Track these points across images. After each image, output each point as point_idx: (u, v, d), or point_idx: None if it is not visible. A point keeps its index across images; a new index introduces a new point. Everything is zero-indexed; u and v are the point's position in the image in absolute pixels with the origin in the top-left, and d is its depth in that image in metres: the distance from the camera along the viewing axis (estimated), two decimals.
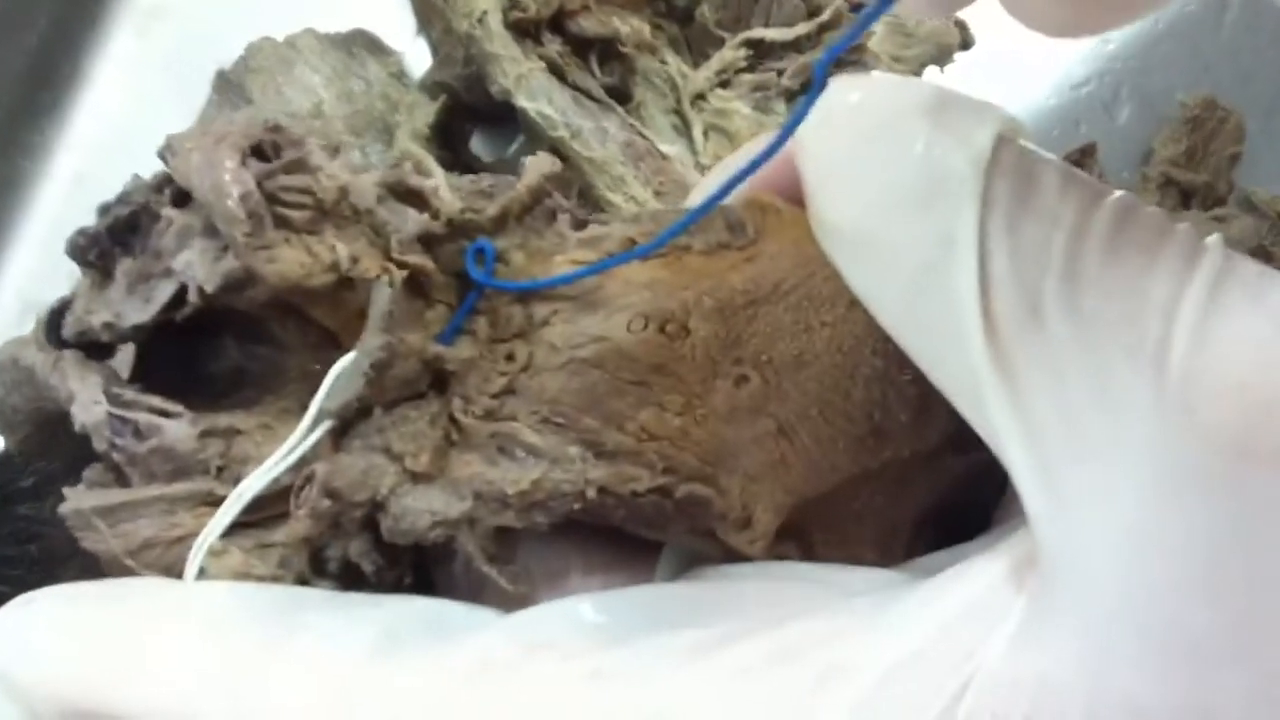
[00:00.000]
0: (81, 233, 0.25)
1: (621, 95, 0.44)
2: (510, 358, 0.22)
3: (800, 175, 0.22)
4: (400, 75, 0.50)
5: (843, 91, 0.23)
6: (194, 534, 0.22)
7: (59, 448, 0.28)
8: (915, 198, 0.20)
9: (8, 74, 0.51)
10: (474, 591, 0.23)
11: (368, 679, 0.20)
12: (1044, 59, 0.54)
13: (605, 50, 0.45)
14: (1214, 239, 0.19)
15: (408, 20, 0.48)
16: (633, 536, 0.23)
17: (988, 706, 0.18)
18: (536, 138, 0.43)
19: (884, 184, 0.21)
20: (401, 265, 0.22)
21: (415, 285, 0.22)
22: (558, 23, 0.44)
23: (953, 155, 0.20)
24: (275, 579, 0.22)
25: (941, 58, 0.48)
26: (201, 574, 0.22)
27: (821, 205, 0.22)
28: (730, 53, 0.45)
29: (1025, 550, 0.19)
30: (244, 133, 0.24)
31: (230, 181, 0.23)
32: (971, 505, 0.24)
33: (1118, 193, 0.20)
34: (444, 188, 0.22)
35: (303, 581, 0.22)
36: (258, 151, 0.24)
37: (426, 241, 0.22)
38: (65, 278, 0.27)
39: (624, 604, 0.21)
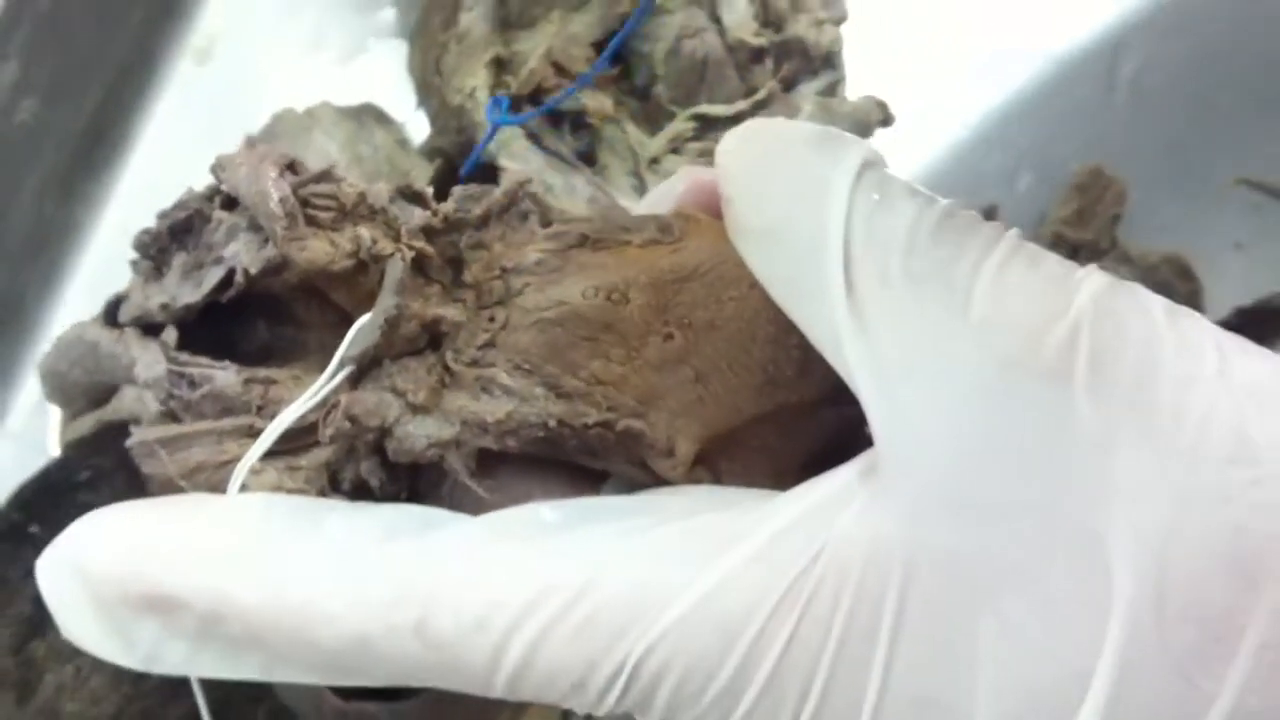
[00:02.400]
0: (146, 231, 0.32)
1: (589, 159, 0.53)
2: (492, 319, 0.29)
3: (719, 189, 0.30)
4: (403, 142, 0.58)
5: (754, 126, 0.30)
6: (237, 459, 0.29)
7: (109, 447, 0.34)
8: (802, 200, 0.28)
9: (70, 136, 0.59)
10: (455, 507, 0.29)
11: (372, 557, 0.27)
12: (955, 134, 0.63)
13: (576, 121, 0.53)
14: (1013, 230, 0.27)
15: (409, 95, 0.56)
16: (582, 469, 0.30)
17: (837, 560, 0.25)
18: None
19: (780, 191, 0.28)
20: (410, 247, 0.29)
21: (418, 266, 0.29)
22: (535, 97, 0.52)
23: (830, 170, 0.28)
24: (300, 493, 0.29)
25: (862, 133, 0.56)
26: (242, 490, 0.29)
27: (734, 209, 0.29)
28: (680, 125, 0.53)
29: (871, 459, 0.26)
30: (282, 154, 0.32)
31: (272, 188, 0.30)
32: (844, 458, 0.31)
33: (944, 200, 0.27)
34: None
35: (322, 495, 0.29)
36: (291, 168, 0.31)
37: (428, 233, 0.29)
38: None
39: (574, 507, 0.28)
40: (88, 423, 0.37)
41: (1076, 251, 0.56)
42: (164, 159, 0.61)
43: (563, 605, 0.25)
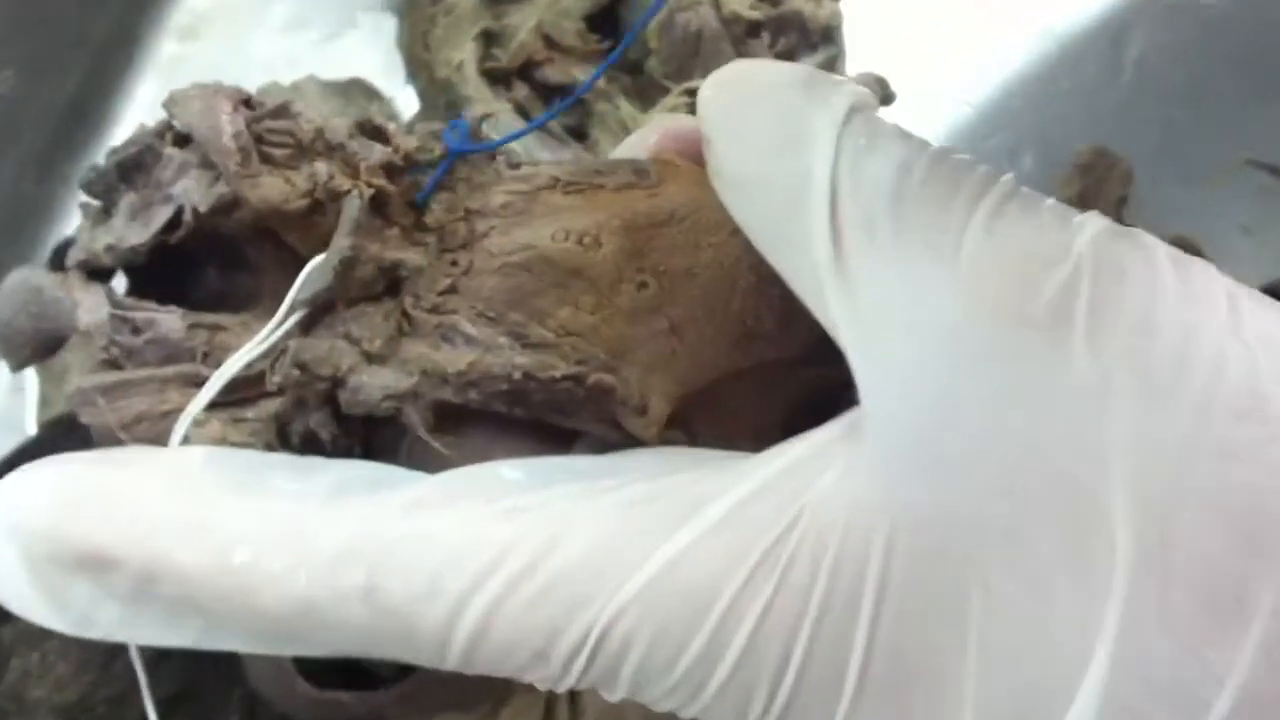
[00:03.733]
0: (93, 168, 0.31)
1: (579, 134, 0.52)
2: (454, 263, 0.27)
3: (700, 133, 0.28)
4: (391, 118, 0.57)
5: (737, 68, 0.29)
6: (180, 409, 0.27)
7: (77, 436, 0.33)
8: (786, 145, 0.26)
9: (50, 114, 0.58)
10: (411, 464, 0.28)
11: (319, 516, 0.25)
12: (958, 111, 0.61)
13: (566, 95, 0.52)
14: (1008, 175, 0.25)
15: (399, 71, 0.55)
16: (549, 428, 0.28)
17: (815, 525, 0.23)
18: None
19: (763, 136, 0.27)
20: (369, 185, 0.27)
21: (377, 205, 0.27)
22: (525, 71, 0.52)
23: (816, 114, 0.26)
24: (247, 446, 0.27)
25: None
26: (185, 441, 0.27)
27: (715, 153, 0.27)
28: (673, 99, 0.52)
29: (853, 418, 0.25)
30: (237, 89, 0.30)
31: (225, 122, 0.28)
32: (824, 420, 0.29)
33: (940, 145, 0.26)
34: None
35: (269, 449, 0.27)
36: (248, 104, 0.30)
37: (388, 170, 0.28)
38: None
39: (538, 466, 0.26)
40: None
41: None
42: None
43: (522, 569, 0.23)
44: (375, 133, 0.28)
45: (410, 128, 0.55)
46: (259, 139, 0.28)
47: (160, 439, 0.28)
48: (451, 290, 0.27)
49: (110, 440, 0.28)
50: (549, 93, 0.50)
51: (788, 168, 0.26)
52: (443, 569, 0.24)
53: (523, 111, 0.49)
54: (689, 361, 0.27)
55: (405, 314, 0.27)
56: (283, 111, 0.29)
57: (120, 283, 0.32)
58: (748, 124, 0.27)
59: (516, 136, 0.29)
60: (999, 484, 0.22)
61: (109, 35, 0.60)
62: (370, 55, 0.59)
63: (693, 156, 0.29)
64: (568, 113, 0.50)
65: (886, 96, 0.55)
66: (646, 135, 0.31)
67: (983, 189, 0.24)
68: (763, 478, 0.24)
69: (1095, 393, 0.22)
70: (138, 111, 0.60)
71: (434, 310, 0.27)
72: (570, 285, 0.27)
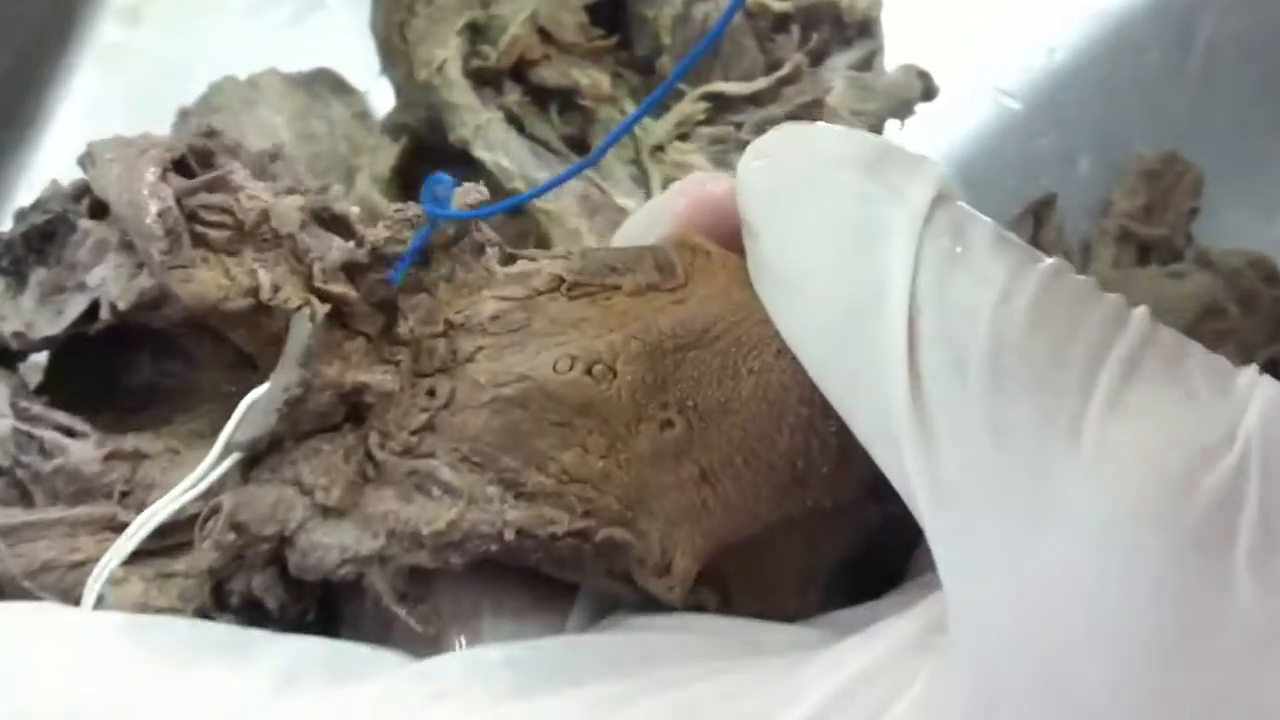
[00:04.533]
0: None
1: (580, 146, 0.46)
2: (432, 393, 0.22)
3: (740, 216, 0.23)
4: (363, 116, 0.51)
5: (788, 135, 0.24)
6: (94, 559, 0.23)
7: None
8: (849, 244, 0.21)
9: None
10: (382, 630, 0.23)
11: (262, 719, 0.21)
12: (1005, 109, 0.56)
13: (565, 100, 0.46)
14: (1141, 310, 0.20)
15: (372, 59, 0.49)
16: (548, 579, 0.23)
17: None
18: (494, 187, 0.44)
19: (820, 228, 0.22)
20: (323, 296, 0.22)
21: (336, 315, 0.23)
22: (518, 73, 0.46)
23: (888, 208, 0.21)
24: (175, 611, 0.22)
25: (902, 111, 0.49)
26: (100, 602, 0.22)
27: (760, 247, 0.23)
28: (690, 105, 0.47)
29: (936, 614, 0.20)
30: (168, 145, 0.25)
31: (149, 196, 0.23)
32: (885, 554, 0.25)
33: (1050, 259, 0.21)
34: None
35: (203, 614, 0.23)
36: (181, 166, 0.24)
37: (350, 271, 0.23)
38: None
39: (533, 655, 0.21)
40: None
41: (1146, 250, 0.50)
42: (83, 139, 0.53)
43: None
44: (333, 222, 0.23)
45: (385, 127, 0.50)
46: (192, 216, 0.23)
47: (71, 593, 0.23)
48: (428, 428, 0.22)
49: (13, 591, 0.23)
50: (545, 97, 0.45)
51: (854, 275, 0.21)
52: None
53: (515, 120, 0.44)
54: (723, 514, 0.22)
55: (370, 455, 0.22)
56: (220, 184, 0.24)
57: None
58: (802, 213, 0.22)
59: (510, 206, 0.24)
60: None
61: (40, 18, 0.54)
62: (340, 40, 0.53)
63: (729, 239, 0.24)
64: (566, 121, 0.45)
65: (929, 92, 0.50)
66: (670, 201, 0.26)
67: (1111, 333, 0.19)
68: (823, 698, 0.19)
69: (1261, 651, 0.17)
70: (73, 105, 0.54)
71: (406, 452, 0.22)
72: (576, 424, 0.22)
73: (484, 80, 0.45)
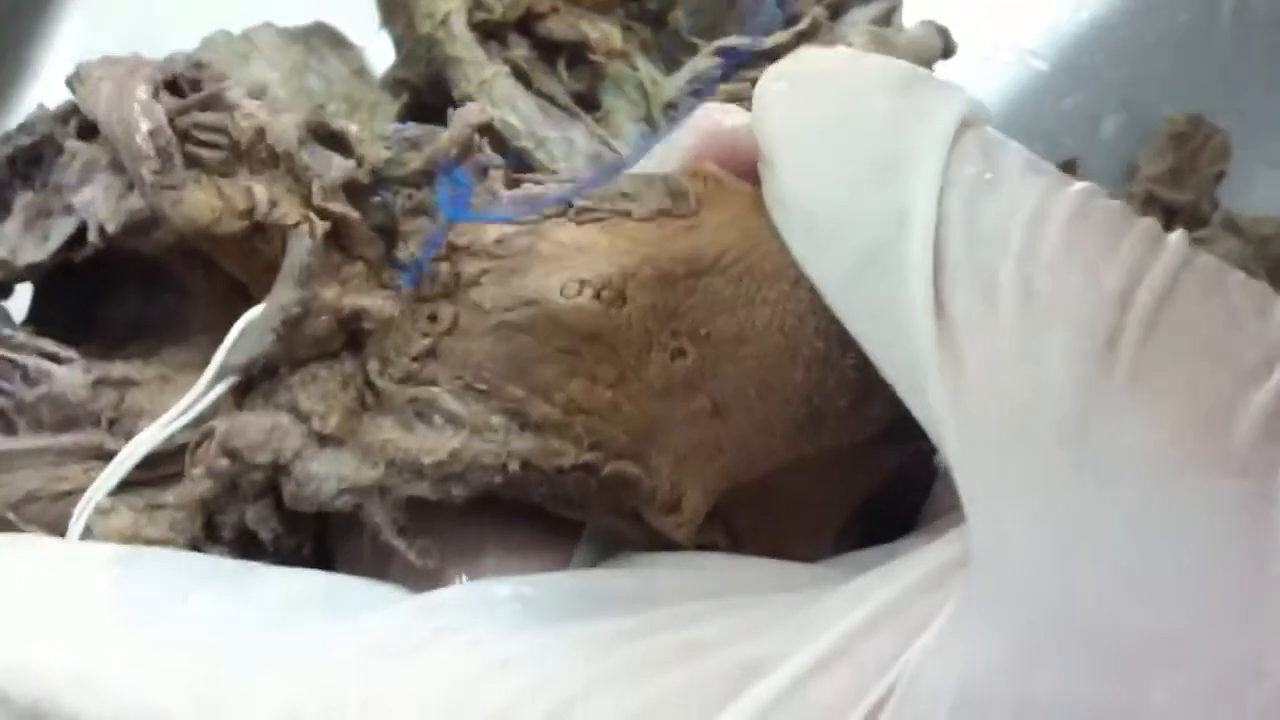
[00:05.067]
0: None
1: (589, 102, 0.45)
2: (433, 318, 0.22)
3: (758, 144, 0.23)
4: (361, 72, 0.50)
5: (807, 60, 0.23)
6: (81, 489, 0.22)
7: None
8: (873, 172, 0.20)
9: None
10: (379, 567, 0.23)
11: (258, 654, 0.20)
12: (1028, 68, 0.55)
13: (574, 55, 0.46)
14: (1178, 233, 0.19)
15: (371, 12, 0.48)
16: (552, 517, 0.23)
17: (910, 713, 0.18)
18: (500, 145, 0.44)
19: (842, 156, 0.21)
20: (323, 214, 0.22)
21: (335, 236, 0.22)
22: (525, 26, 0.45)
23: (914, 132, 0.20)
24: (165, 542, 0.22)
25: (922, 66, 0.48)
26: (87, 533, 0.22)
27: (777, 176, 0.22)
28: (704, 60, 0.46)
29: (956, 551, 0.19)
30: (160, 66, 0.24)
31: (140, 115, 0.23)
32: (899, 502, 0.24)
33: (1081, 182, 0.20)
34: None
35: (194, 547, 0.22)
36: (172, 86, 0.24)
37: (350, 190, 0.22)
38: None
39: (540, 590, 0.21)
40: None
41: (1172, 215, 0.49)
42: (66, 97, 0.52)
43: None
44: (331, 139, 0.22)
45: (385, 84, 0.49)
46: (185, 136, 0.23)
47: (57, 524, 0.23)
48: (429, 354, 0.22)
49: None
50: (553, 51, 0.44)
51: (877, 203, 0.20)
52: None
53: (522, 75, 0.43)
54: (735, 450, 0.22)
55: (369, 382, 0.22)
56: (215, 102, 0.23)
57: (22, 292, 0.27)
58: (822, 140, 0.21)
59: (551, 203, 0.23)
60: (1167, 677, 0.17)
61: None
62: None
63: (743, 171, 0.24)
64: (575, 76, 0.44)
65: (948, 48, 0.49)
66: (681, 136, 0.25)
67: (1147, 254, 0.19)
68: (838, 636, 0.19)
69: None
70: (57, 62, 0.53)
71: (406, 379, 0.22)
72: (584, 352, 0.21)
73: (489, 34, 0.44)
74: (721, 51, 0.44)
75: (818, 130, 0.22)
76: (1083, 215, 0.19)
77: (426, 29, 0.43)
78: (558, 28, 0.46)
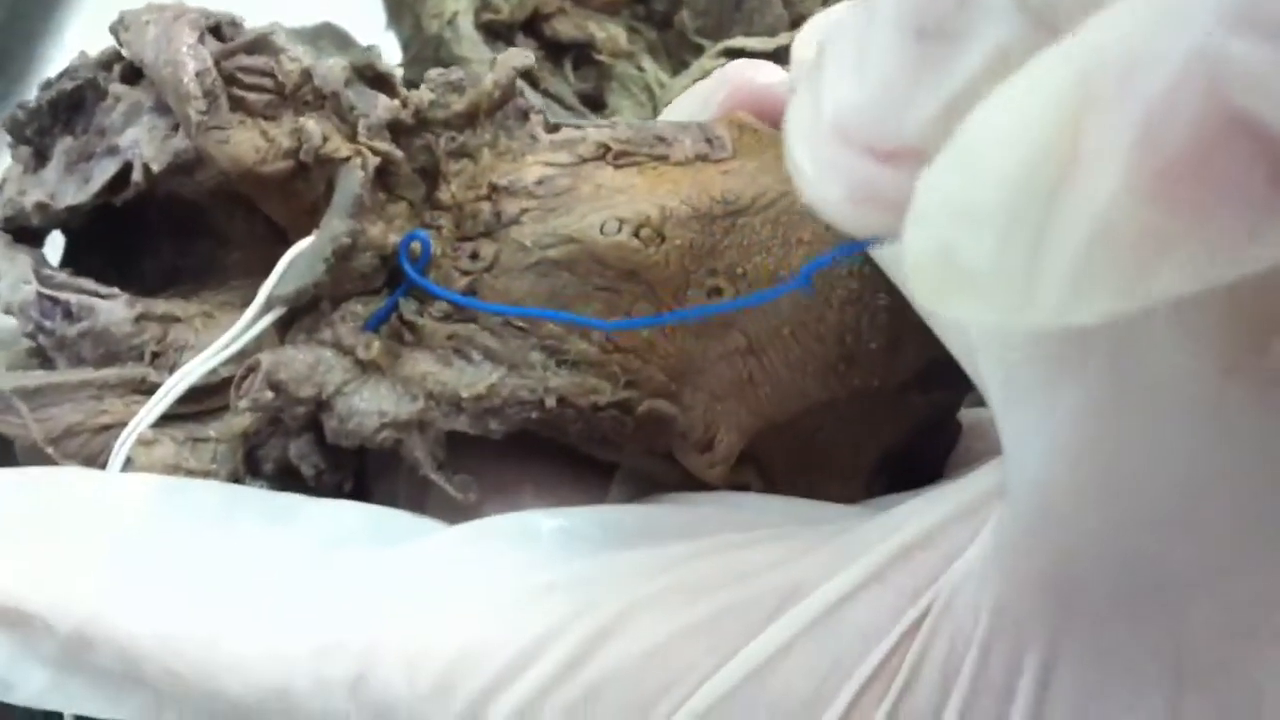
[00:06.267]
0: (21, 106, 0.26)
1: (596, 102, 0.47)
2: (475, 256, 0.23)
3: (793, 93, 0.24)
4: None
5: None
6: (122, 423, 0.23)
7: None
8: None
9: None
10: (416, 507, 0.24)
11: (301, 581, 0.21)
12: None
13: (580, 55, 0.47)
14: None
15: (378, 12, 0.49)
16: (586, 459, 0.24)
17: (946, 636, 0.19)
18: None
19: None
20: (371, 151, 0.23)
21: (380, 175, 0.23)
22: (532, 26, 0.46)
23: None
24: (206, 475, 0.23)
25: None
26: (128, 465, 0.23)
27: None
28: (709, 61, 0.47)
29: (992, 482, 0.20)
30: (204, 12, 0.25)
31: (187, 56, 0.24)
32: (925, 454, 0.25)
33: None
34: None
35: (236, 480, 0.23)
36: (216, 32, 0.25)
37: (395, 130, 0.23)
38: None
39: (582, 520, 0.22)
40: None
41: None
42: None
43: (560, 669, 0.20)
44: (377, 81, 0.24)
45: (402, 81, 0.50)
46: (230, 79, 0.24)
47: (95, 459, 0.24)
48: (470, 291, 0.23)
49: (34, 457, 0.24)
50: (560, 52, 0.45)
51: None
52: (456, 663, 0.20)
53: (530, 77, 0.44)
54: (769, 389, 0.23)
55: (409, 320, 0.23)
56: (261, 45, 0.24)
57: (54, 246, 0.28)
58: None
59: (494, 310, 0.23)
60: (1209, 602, 0.18)
61: None
62: None
63: (775, 119, 0.25)
64: (582, 76, 0.45)
65: None
66: (714, 89, 0.26)
67: None
68: (876, 561, 0.20)
69: None
70: (65, 58, 0.54)
71: (446, 317, 0.23)
72: (623, 290, 0.22)
73: (496, 34, 0.45)
74: (727, 52, 0.45)
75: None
76: None
77: (434, 29, 0.44)
78: (564, 28, 0.47)
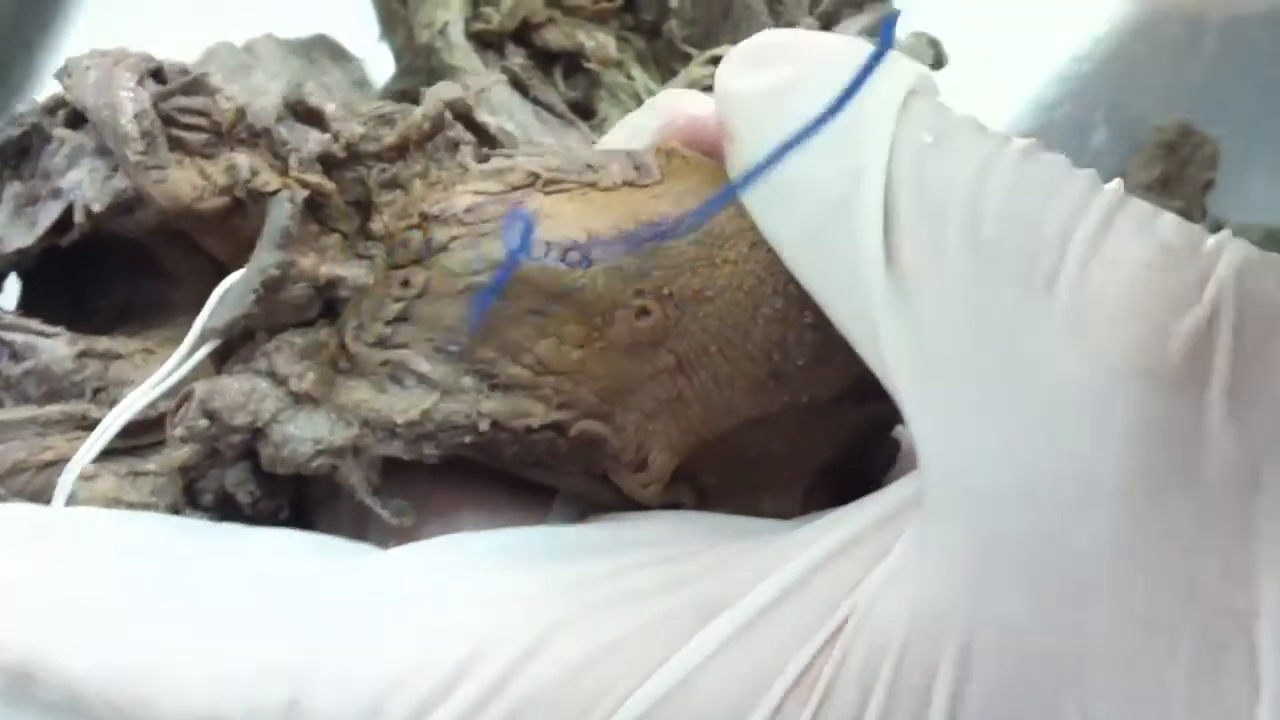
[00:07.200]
0: None
1: (586, 110, 0.48)
2: (406, 283, 0.24)
3: (720, 118, 0.25)
4: (362, 83, 0.53)
5: (765, 40, 0.25)
6: (65, 458, 0.24)
7: None
8: (829, 138, 0.23)
9: None
10: (358, 533, 0.24)
11: (235, 608, 0.22)
12: (1018, 79, 0.58)
13: (570, 64, 0.48)
14: (1115, 181, 0.22)
15: (371, 24, 0.51)
16: (525, 482, 0.25)
17: (864, 642, 0.20)
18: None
19: (795, 126, 0.23)
20: (301, 183, 0.24)
21: (313, 207, 0.24)
22: (522, 35, 0.48)
23: (867, 99, 0.23)
24: (147, 507, 0.24)
25: None
26: (72, 498, 0.24)
27: (738, 148, 0.24)
28: (698, 69, 0.48)
29: (912, 489, 0.21)
30: (144, 56, 0.27)
31: (125, 99, 0.25)
32: (862, 471, 0.26)
33: (1025, 140, 0.22)
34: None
35: (175, 511, 0.24)
36: (156, 75, 0.26)
37: (326, 164, 0.24)
38: None
39: (513, 540, 0.23)
40: None
41: None
42: None
43: (491, 684, 0.20)
44: (309, 115, 0.25)
45: (384, 94, 0.52)
46: (168, 120, 0.25)
47: (40, 495, 0.25)
48: (402, 318, 0.24)
49: None
50: (550, 61, 0.47)
51: (832, 169, 0.22)
52: (390, 684, 0.21)
53: (519, 84, 0.46)
54: (700, 407, 0.24)
55: (344, 346, 0.24)
56: (198, 87, 0.26)
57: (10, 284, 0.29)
58: (780, 111, 0.24)
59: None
60: (1111, 594, 0.19)
61: None
62: (339, 6, 0.55)
63: (705, 148, 0.26)
64: (571, 85, 0.47)
65: (939, 60, 0.52)
66: (648, 119, 0.27)
67: (1084, 199, 0.21)
68: (798, 570, 0.21)
69: (1238, 487, 0.19)
70: (72, 50, 0.56)
71: (380, 343, 0.24)
72: (552, 312, 0.23)
73: (486, 43, 0.47)
74: (715, 60, 0.47)
75: (775, 103, 0.24)
76: (1025, 167, 0.21)
77: (425, 39, 0.46)
78: (554, 37, 0.48)
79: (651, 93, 0.47)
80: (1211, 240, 0.20)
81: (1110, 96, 0.56)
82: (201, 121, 0.25)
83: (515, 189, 0.25)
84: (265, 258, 0.23)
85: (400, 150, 0.25)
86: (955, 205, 0.21)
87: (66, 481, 0.24)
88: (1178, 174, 0.53)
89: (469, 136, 0.25)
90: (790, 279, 0.24)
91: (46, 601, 0.23)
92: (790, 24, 0.50)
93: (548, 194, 0.24)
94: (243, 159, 0.24)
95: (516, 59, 0.46)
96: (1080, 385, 0.19)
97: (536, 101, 0.47)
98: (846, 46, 0.24)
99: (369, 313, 0.24)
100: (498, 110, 0.45)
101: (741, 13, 0.49)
